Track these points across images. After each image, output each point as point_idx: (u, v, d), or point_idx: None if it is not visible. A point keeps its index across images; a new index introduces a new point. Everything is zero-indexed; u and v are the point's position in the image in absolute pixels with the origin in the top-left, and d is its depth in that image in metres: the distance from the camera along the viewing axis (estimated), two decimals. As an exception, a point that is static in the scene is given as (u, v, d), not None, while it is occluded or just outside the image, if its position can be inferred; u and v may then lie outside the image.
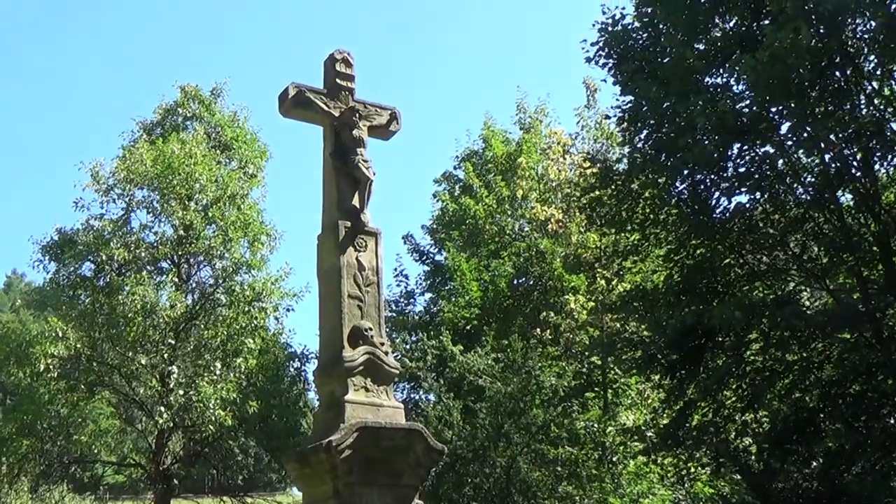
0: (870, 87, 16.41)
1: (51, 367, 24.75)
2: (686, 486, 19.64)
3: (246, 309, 26.39)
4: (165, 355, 25.76)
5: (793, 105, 15.70)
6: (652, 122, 17.81)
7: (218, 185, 27.00)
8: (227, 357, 26.25)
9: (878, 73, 16.21)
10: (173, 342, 25.89)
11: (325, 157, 11.69)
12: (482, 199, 30.31)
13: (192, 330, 26.82)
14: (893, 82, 16.50)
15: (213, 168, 27.18)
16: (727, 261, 18.00)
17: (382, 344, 10.93)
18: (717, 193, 17.45)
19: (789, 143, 16.67)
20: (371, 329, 10.87)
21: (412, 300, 31.47)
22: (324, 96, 11.73)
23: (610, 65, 18.53)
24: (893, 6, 15.16)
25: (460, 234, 30.31)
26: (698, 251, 18.17)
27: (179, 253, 27.20)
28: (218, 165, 27.96)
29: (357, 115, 11.71)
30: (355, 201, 11.42)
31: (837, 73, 16.05)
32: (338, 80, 11.86)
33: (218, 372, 25.82)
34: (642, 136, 18.20)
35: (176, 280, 26.93)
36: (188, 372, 26.03)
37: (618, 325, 23.84)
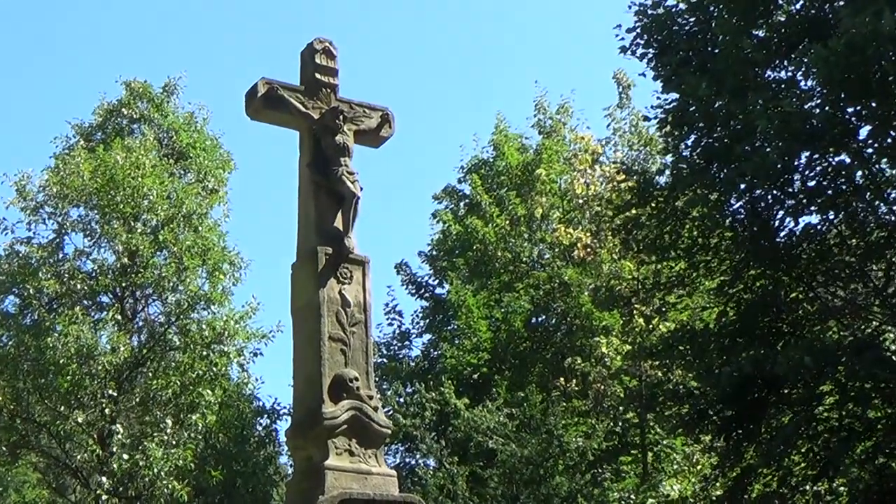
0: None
1: (-36, 424, 24.67)
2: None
3: (204, 353, 26.29)
4: (106, 410, 25.67)
5: (873, 105, 15.73)
6: (701, 125, 17.86)
7: (171, 201, 26.97)
8: (181, 412, 26.14)
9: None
10: (115, 394, 25.80)
11: (302, 169, 11.72)
12: (492, 219, 30.32)
13: (138, 379, 26.71)
14: None
15: (164, 181, 27.16)
16: (794, 295, 17.97)
17: (371, 397, 10.92)
18: (781, 213, 17.48)
19: (869, 150, 16.68)
20: (357, 379, 10.86)
21: (407, 343, 31.42)
22: (300, 94, 11.77)
23: (650, 55, 18.62)
24: None
25: (466, 263, 30.30)
26: (758, 283, 18.15)
27: (123, 285, 27.11)
28: (171, 178, 27.93)
29: (341, 116, 11.75)
30: (338, 223, 11.43)
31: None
32: (317, 75, 11.91)
33: (170, 431, 25.71)
34: (689, 142, 18.25)
35: (119, 318, 26.87)
36: (133, 431, 25.90)
37: (659, 373, 23.79)
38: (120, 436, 25.45)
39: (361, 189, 11.61)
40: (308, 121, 11.74)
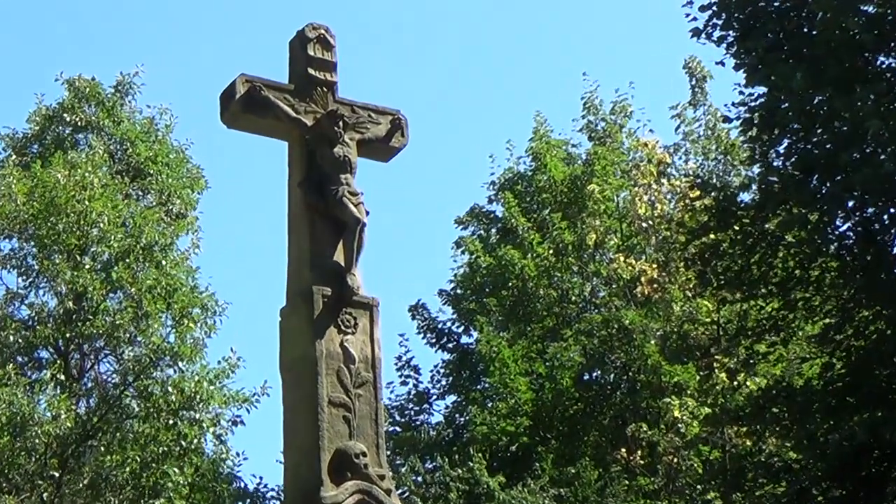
0: None
1: None
2: None
3: (170, 422, 26.24)
4: (45, 495, 25.62)
5: None
6: (796, 126, 17.77)
7: (126, 230, 27.02)
8: (142, 497, 26.07)
9: None
10: (57, 474, 25.75)
11: (292, 189, 11.73)
12: (532, 248, 30.26)
13: (86, 455, 26.65)
14: None
15: (118, 205, 27.20)
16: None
17: (382, 477, 10.87)
18: (900, 236, 17.39)
19: None
20: (364, 454, 10.82)
21: (427, 406, 31.31)
22: (290, 95, 11.81)
23: (729, 39, 18.56)
24: None
25: (499, 304, 30.20)
26: (872, 327, 18.01)
27: (67, 336, 27.11)
28: (126, 201, 27.99)
29: (341, 123, 11.76)
30: (339, 256, 11.43)
31: None
32: (311, 71, 11.94)
33: (127, 520, 25.64)
34: (781, 148, 18.16)
35: (62, 378, 26.83)
36: (81, 521, 25.82)
37: (748, 442, 23.58)
38: (64, 527, 25.37)
39: (367, 213, 11.61)
40: (300, 128, 11.77)
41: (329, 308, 11.20)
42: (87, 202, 26.48)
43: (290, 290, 11.52)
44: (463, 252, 32.15)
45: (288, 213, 11.79)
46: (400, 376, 31.30)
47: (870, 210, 17.39)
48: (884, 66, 17.36)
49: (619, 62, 61.10)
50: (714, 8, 18.58)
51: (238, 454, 28.83)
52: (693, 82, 30.84)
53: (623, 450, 26.46)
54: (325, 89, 11.99)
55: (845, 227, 17.72)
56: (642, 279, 27.81)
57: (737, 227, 18.86)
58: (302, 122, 11.75)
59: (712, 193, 20.44)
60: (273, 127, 11.82)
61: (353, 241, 11.45)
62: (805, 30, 18.11)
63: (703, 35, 18.71)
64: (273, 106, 11.67)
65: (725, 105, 20.72)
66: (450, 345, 31.80)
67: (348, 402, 11.03)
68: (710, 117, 30.44)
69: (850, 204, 17.29)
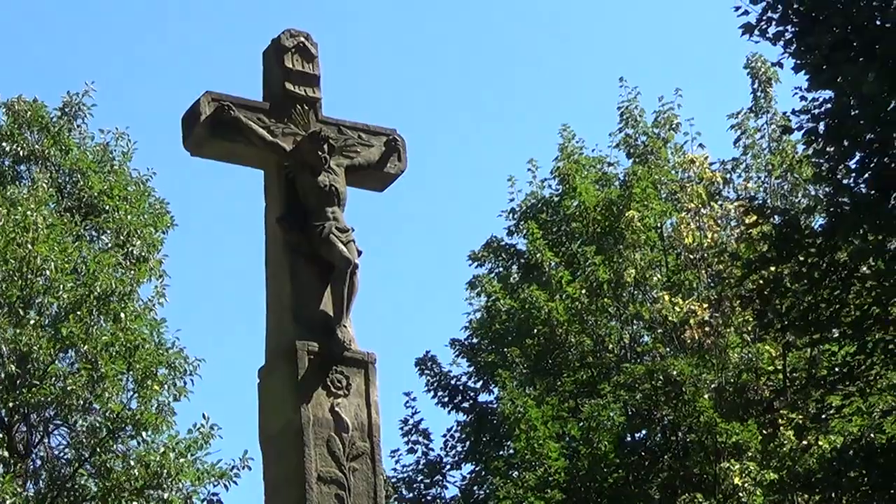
0: None
1: None
2: None
3: (134, 503, 26.26)
4: None
5: None
6: (869, 137, 17.75)
7: (78, 278, 27.07)
8: None
9: None
10: (2, 570, 25.74)
11: (270, 226, 11.83)
12: (561, 287, 30.25)
13: (35, 546, 26.66)
14: None
15: (67, 248, 27.28)
16: None
17: (384, 567, 10.94)
18: None
19: None
20: (362, 540, 10.87)
21: (439, 478, 31.32)
22: (264, 115, 11.93)
23: (787, 35, 18.56)
24: None
25: (523, 354, 30.22)
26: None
27: (11, 405, 27.17)
28: (77, 243, 28.05)
29: (326, 146, 11.85)
30: (326, 305, 11.52)
31: None
32: (289, 86, 12.09)
33: None
34: (852, 164, 18.14)
35: (5, 455, 26.86)
36: None
37: (821, 513, 23.53)
38: None
39: (360, 253, 11.69)
40: (277, 154, 11.90)
41: (316, 367, 11.28)
42: (30, 246, 26.56)
43: (269, 345, 11.62)
44: (479, 294, 32.26)
45: (266, 254, 11.91)
46: (406, 443, 31.45)
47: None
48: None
49: (662, 66, 60.90)
50: (769, 1, 18.60)
51: (217, 540, 28.84)
52: (757, 84, 30.91)
53: (675, 525, 26.49)
54: (306, 107, 12.11)
55: (932, 255, 17.72)
56: (692, 322, 27.87)
57: (802, 258, 18.85)
58: (279, 146, 11.85)
59: (772, 218, 20.42)
60: (245, 153, 11.94)
61: (342, 287, 11.53)
62: (878, 23, 18.11)
63: (757, 31, 18.72)
64: (244, 128, 11.77)
65: (785, 113, 20.80)
66: (465, 404, 31.89)
67: (341, 478, 11.09)
68: (774, 127, 30.48)
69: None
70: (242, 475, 27.49)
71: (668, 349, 28.51)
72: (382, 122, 12.37)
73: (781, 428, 25.81)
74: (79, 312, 26.88)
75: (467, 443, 31.41)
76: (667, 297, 28.52)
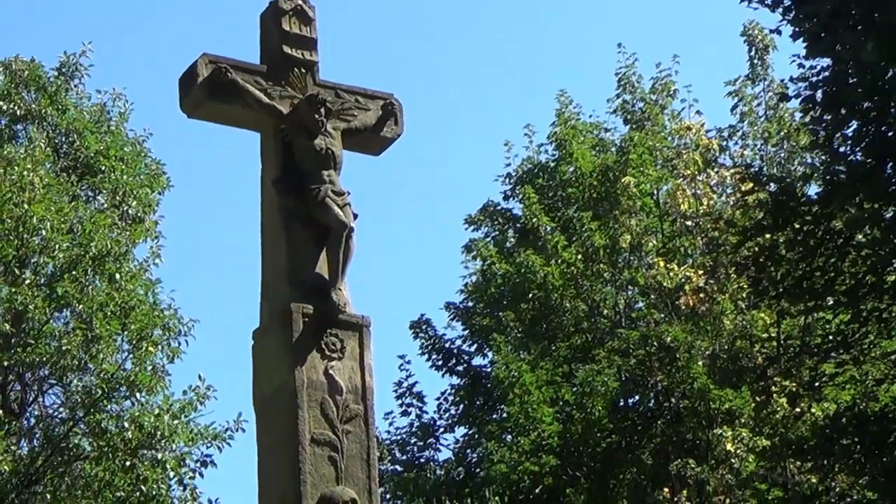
0: None
1: None
2: None
3: (128, 463, 26.29)
4: (-19, 552, 25.66)
5: None
6: (867, 105, 17.75)
7: (73, 238, 27.05)
8: (95, 554, 26.11)
9: None
10: (-4, 528, 25.80)
11: (266, 188, 11.83)
12: (557, 252, 30.25)
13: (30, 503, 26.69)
14: None
15: (63, 208, 27.26)
16: None
17: (376, 529, 10.94)
18: None
19: None
20: (354, 501, 10.85)
21: (432, 441, 31.38)
22: (261, 78, 11.90)
23: (786, 3, 18.53)
24: None
25: (518, 319, 30.23)
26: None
27: (5, 364, 27.19)
28: (73, 203, 28.03)
29: (322, 110, 11.82)
30: (322, 268, 11.50)
31: None
32: (287, 49, 12.04)
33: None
34: (849, 132, 18.15)
35: (-1, 413, 26.93)
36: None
37: (814, 479, 23.64)
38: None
39: (356, 216, 11.69)
40: (273, 117, 11.87)
41: (311, 329, 11.27)
42: (26, 205, 26.54)
43: (264, 308, 11.60)
44: (474, 258, 32.22)
45: (262, 217, 11.89)
46: (400, 406, 31.51)
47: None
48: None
49: (660, 32, 60.81)
50: (767, -34, 18.63)
51: (210, 502, 28.88)
52: (754, 52, 30.88)
53: (666, 490, 26.62)
54: (303, 70, 12.09)
55: (926, 225, 17.73)
56: (686, 288, 27.88)
57: (797, 226, 18.86)
58: (276, 109, 11.84)
59: (768, 186, 20.42)
60: (242, 116, 11.92)
61: (338, 250, 11.52)
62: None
63: (756, -1, 18.74)
64: (241, 91, 11.76)
65: (782, 80, 20.78)
66: (459, 368, 31.91)
67: (334, 440, 11.09)
68: (771, 94, 30.46)
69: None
70: (236, 437, 27.54)
71: (662, 315, 28.51)
72: (379, 86, 12.39)
73: (775, 395, 25.80)
74: (74, 272, 26.87)
75: (461, 406, 31.44)
76: (662, 264, 28.52)
